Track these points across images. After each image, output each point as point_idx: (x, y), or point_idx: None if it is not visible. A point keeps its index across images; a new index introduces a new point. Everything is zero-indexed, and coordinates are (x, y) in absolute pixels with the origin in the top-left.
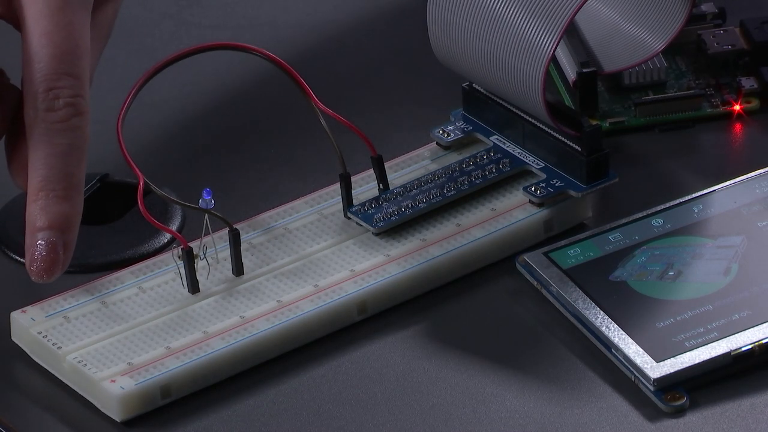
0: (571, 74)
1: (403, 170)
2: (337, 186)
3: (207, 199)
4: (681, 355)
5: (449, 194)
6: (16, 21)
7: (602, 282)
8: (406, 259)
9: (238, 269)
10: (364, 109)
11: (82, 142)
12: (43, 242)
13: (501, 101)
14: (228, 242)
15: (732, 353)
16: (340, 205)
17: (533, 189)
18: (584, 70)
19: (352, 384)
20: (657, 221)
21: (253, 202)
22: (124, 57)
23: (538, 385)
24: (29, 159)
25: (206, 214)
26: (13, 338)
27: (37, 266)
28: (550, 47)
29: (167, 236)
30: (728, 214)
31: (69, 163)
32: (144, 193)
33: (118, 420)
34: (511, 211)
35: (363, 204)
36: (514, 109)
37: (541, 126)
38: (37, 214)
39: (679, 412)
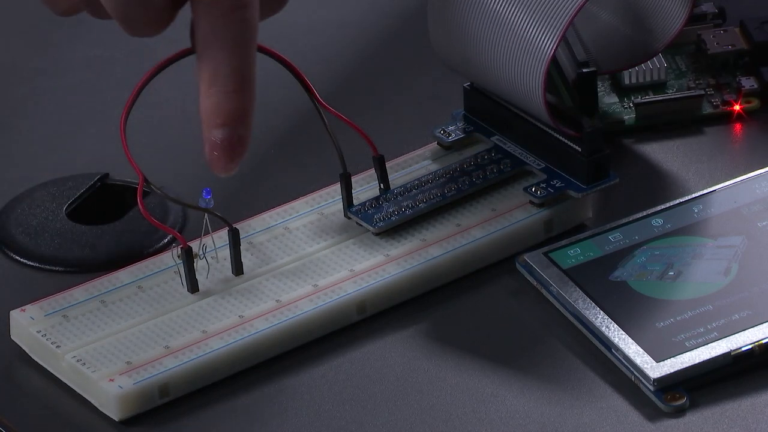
0: (571, 74)
1: (403, 170)
2: (337, 186)
3: (207, 199)
4: (681, 355)
5: (450, 194)
6: None
7: (602, 282)
8: (406, 259)
9: (237, 269)
10: (364, 109)
11: (249, 34)
12: (218, 138)
13: (502, 102)
14: (227, 242)
15: (732, 353)
16: (341, 205)
17: (534, 189)
18: (584, 70)
19: (351, 384)
20: (657, 221)
21: (253, 202)
22: (124, 57)
23: (538, 385)
24: (197, 55)
25: (206, 214)
26: (12, 337)
27: (215, 162)
28: (550, 48)
29: (167, 236)
30: (728, 214)
31: (237, 58)
32: (144, 193)
33: (116, 419)
34: (512, 212)
35: (363, 204)
36: (515, 110)
37: (541, 126)
38: (210, 110)
39: (679, 412)
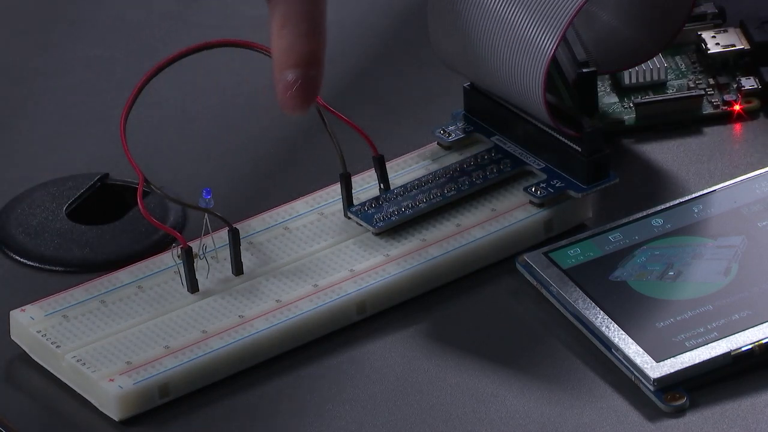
0: (571, 74)
1: (403, 170)
2: (337, 186)
3: (207, 199)
4: (681, 355)
5: (449, 194)
6: None
7: (602, 282)
8: (406, 259)
9: (237, 269)
10: (364, 109)
11: None
12: (290, 79)
13: (502, 101)
14: (228, 242)
15: (732, 353)
16: (340, 205)
17: (534, 189)
18: (584, 70)
19: (352, 384)
20: (657, 221)
21: (253, 202)
22: (124, 57)
23: (538, 385)
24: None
25: (206, 214)
26: (12, 337)
27: (287, 102)
28: (550, 48)
29: (167, 236)
30: (728, 214)
31: (310, 1)
32: (144, 193)
33: (116, 419)
34: (512, 212)
35: (363, 204)
36: (515, 110)
37: (541, 126)
38: (282, 51)
39: (679, 412)
